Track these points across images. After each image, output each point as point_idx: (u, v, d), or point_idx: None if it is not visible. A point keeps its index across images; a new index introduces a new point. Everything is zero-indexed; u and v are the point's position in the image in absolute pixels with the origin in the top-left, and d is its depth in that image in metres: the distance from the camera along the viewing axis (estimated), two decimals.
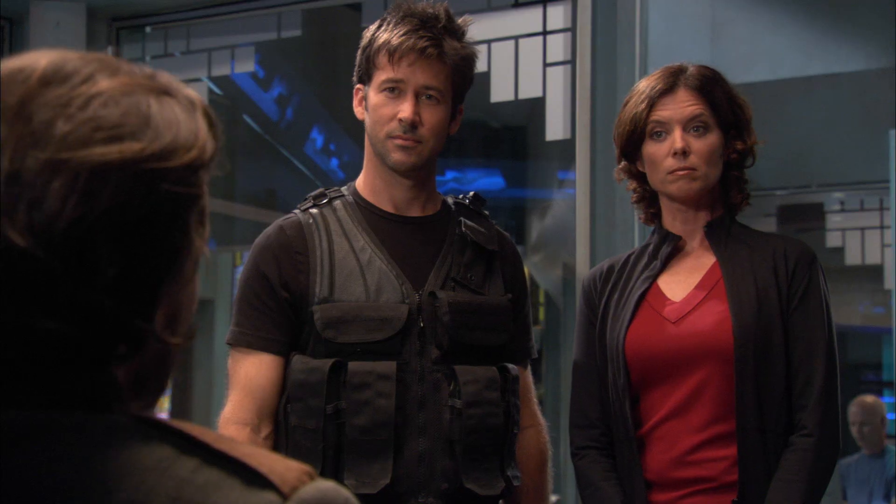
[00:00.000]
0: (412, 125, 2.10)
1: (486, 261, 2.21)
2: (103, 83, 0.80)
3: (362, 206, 2.20)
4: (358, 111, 2.20)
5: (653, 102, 2.22)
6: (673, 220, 2.29)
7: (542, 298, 8.05)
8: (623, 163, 2.33)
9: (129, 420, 0.78)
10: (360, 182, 2.24)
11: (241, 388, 2.13)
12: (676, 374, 2.17)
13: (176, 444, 0.76)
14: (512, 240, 2.36)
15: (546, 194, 6.52)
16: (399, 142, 2.12)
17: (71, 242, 0.75)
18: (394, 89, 2.12)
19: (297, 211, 2.21)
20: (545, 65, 3.56)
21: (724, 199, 2.28)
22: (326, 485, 0.80)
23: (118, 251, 0.77)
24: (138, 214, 0.77)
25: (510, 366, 2.17)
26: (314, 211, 2.19)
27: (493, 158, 7.06)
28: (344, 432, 2.04)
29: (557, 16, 3.56)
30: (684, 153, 2.18)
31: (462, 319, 2.11)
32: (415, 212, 2.21)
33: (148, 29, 4.22)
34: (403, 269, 2.13)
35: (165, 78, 0.86)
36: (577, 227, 3.41)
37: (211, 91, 4.46)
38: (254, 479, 0.76)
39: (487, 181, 7.37)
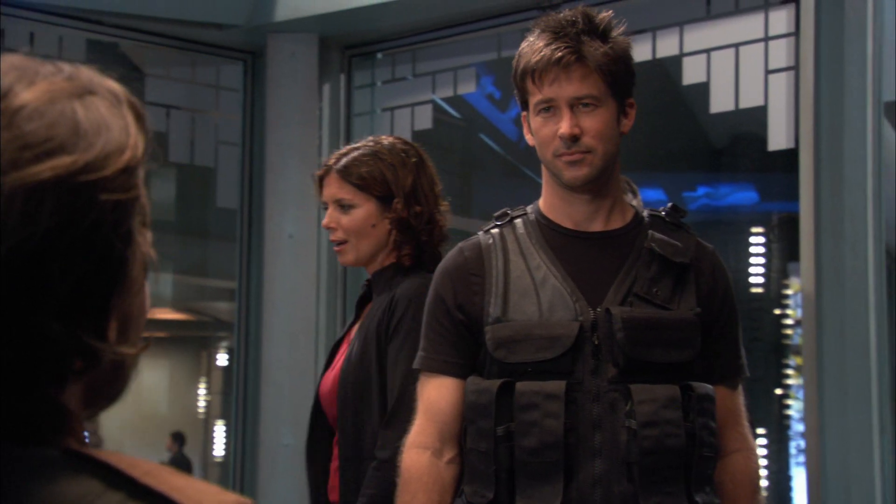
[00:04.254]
0: (573, 138, 2.05)
1: (675, 274, 2.12)
2: (24, 95, 0.76)
3: (542, 224, 2.16)
4: (528, 138, 2.16)
5: (320, 184, 2.68)
6: None
7: None
8: None
9: (57, 453, 0.76)
10: (542, 200, 2.21)
11: (423, 413, 2.15)
12: (336, 413, 2.53)
13: (103, 477, 0.74)
14: (716, 253, 2.22)
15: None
16: (566, 158, 2.07)
17: (15, 268, 0.73)
18: (548, 108, 2.07)
19: (480, 232, 2.21)
20: (767, 72, 3.42)
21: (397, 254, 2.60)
22: None
23: (65, 270, 0.74)
24: (81, 230, 0.75)
25: (697, 384, 2.07)
26: (495, 231, 2.18)
27: (745, 172, 6.83)
28: (514, 454, 2.02)
29: (780, 20, 3.41)
30: (331, 229, 2.61)
31: (638, 336, 2.03)
32: (597, 226, 2.15)
33: (379, 55, 4.36)
34: (580, 286, 2.08)
35: (86, 75, 0.82)
36: (801, 241, 3.24)
37: (440, 111, 4.55)
38: None
39: (740, 196, 7.14)
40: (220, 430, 10.51)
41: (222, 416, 10.57)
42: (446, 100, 4.61)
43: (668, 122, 5.64)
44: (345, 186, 2.59)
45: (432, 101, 4.29)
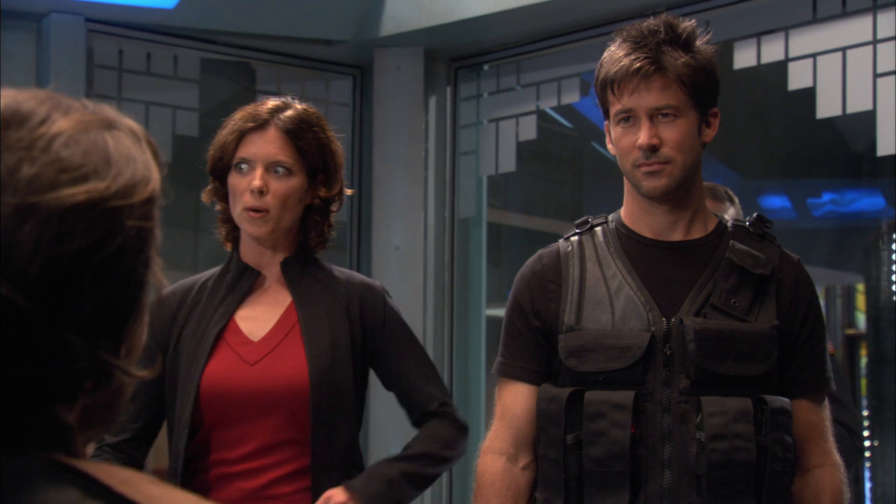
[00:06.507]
0: (652, 149, 2.03)
1: (754, 286, 2.08)
2: (61, 122, 0.81)
3: (622, 233, 2.16)
4: (610, 148, 2.15)
5: (241, 137, 2.25)
6: (248, 252, 2.31)
7: None
8: (211, 185, 2.34)
9: (41, 463, 0.79)
10: (623, 209, 2.20)
11: (499, 418, 2.17)
12: (256, 414, 2.21)
13: (82, 486, 0.77)
14: (801, 264, 2.17)
15: None
16: (645, 169, 2.05)
17: (47, 285, 0.76)
18: (627, 118, 2.05)
19: (561, 240, 2.21)
20: (875, 75, 3.32)
21: (302, 237, 2.32)
22: None
23: (92, 290, 0.78)
24: (108, 252, 0.78)
25: (771, 397, 2.03)
26: (574, 239, 2.18)
27: (871, 178, 6.64)
28: (583, 463, 2.02)
29: (888, 22, 3.31)
30: (261, 192, 2.21)
31: (710, 347, 2.00)
32: (677, 236, 2.13)
33: (485, 66, 4.38)
34: (654, 296, 2.06)
35: (108, 111, 0.86)
36: None
37: (548, 120, 4.54)
38: None
39: (867, 202, 6.94)
40: None
41: None
42: (557, 109, 4.61)
43: (781, 128, 5.52)
44: (287, 148, 2.24)
45: (542, 111, 4.30)
